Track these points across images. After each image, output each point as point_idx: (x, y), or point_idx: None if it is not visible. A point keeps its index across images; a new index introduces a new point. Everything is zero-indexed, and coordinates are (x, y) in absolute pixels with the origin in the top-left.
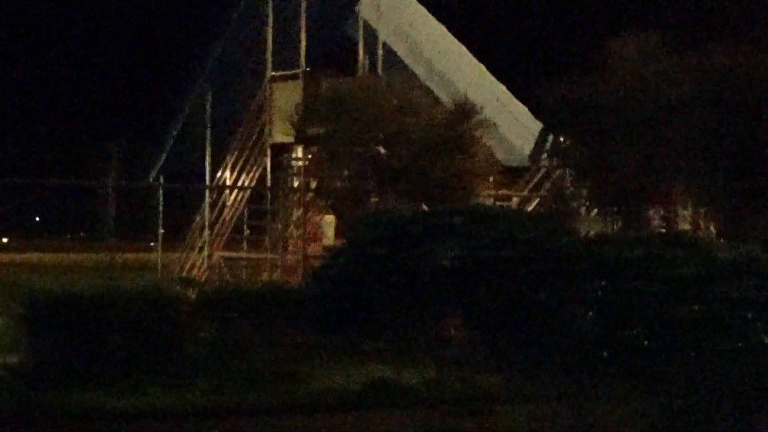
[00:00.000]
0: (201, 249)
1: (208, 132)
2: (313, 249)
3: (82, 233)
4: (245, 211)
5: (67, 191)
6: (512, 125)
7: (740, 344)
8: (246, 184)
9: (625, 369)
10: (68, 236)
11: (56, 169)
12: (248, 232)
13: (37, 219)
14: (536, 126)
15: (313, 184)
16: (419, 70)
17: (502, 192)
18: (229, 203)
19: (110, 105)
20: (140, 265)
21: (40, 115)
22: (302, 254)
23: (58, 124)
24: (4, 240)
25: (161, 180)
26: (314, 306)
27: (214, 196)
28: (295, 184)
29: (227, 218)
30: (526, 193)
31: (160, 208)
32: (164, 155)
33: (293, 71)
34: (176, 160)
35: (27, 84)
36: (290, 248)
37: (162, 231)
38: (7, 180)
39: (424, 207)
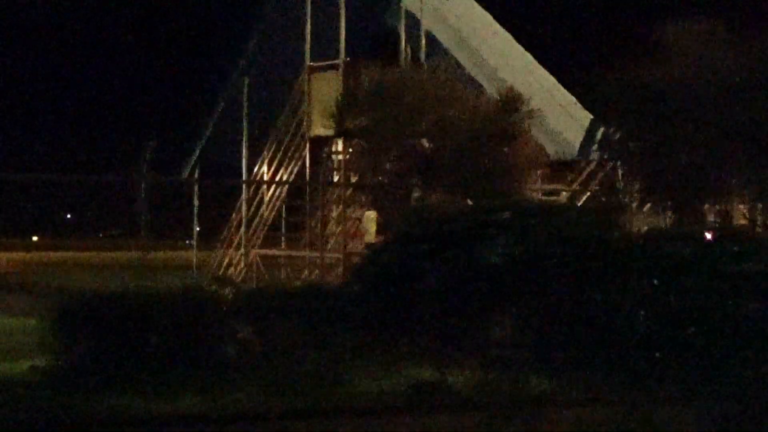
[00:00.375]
0: (238, 247)
1: (245, 125)
2: (354, 246)
3: (114, 231)
4: (283, 208)
5: (98, 188)
6: (561, 116)
7: None
8: (284, 179)
9: (681, 370)
10: (100, 234)
11: (87, 165)
12: (286, 229)
13: (68, 216)
14: (586, 117)
15: (354, 179)
16: (464, 59)
17: (551, 186)
18: (266, 199)
19: (143, 99)
20: (175, 264)
21: (71, 110)
22: (343, 252)
23: (89, 119)
24: (34, 238)
25: (196, 175)
26: (355, 305)
27: (251, 191)
28: (335, 178)
29: (265, 215)
30: (575, 187)
31: (195, 204)
32: (199, 150)
33: (332, 61)
34: (211, 154)
35: (57, 78)
36: (330, 245)
37: (197, 228)
38: (36, 176)
39: (469, 202)
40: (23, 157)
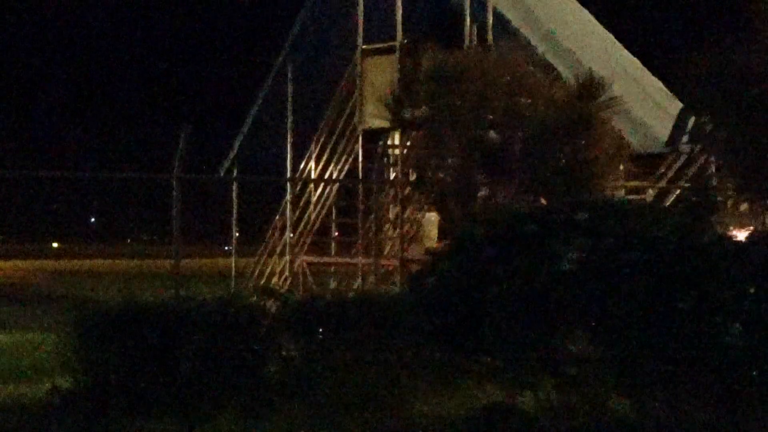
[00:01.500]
0: (282, 253)
1: (289, 117)
2: (413, 252)
3: (143, 236)
4: (333, 209)
5: (126, 187)
6: (646, 104)
7: None
8: (334, 176)
9: None
10: (128, 240)
11: (113, 162)
12: (337, 233)
13: (92, 220)
14: (675, 105)
15: (413, 176)
16: (536, 41)
17: (635, 183)
18: (314, 199)
19: (176, 89)
20: (211, 272)
21: (90, 101)
22: (400, 258)
23: (113, 111)
24: (54, 245)
25: (235, 172)
26: (414, 318)
27: (297, 191)
28: (392, 176)
29: (312, 217)
30: (663, 184)
31: (234, 205)
32: (238, 144)
33: (388, 44)
34: (252, 149)
35: (82, 66)
36: (386, 251)
37: (236, 233)
38: (55, 173)
39: (543, 201)
40: (40, 153)
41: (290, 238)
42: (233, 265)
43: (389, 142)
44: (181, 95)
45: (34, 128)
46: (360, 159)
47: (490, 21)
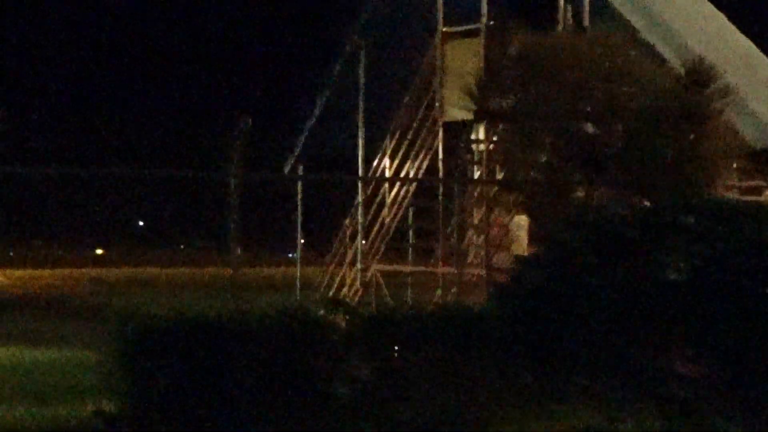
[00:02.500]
0: (353, 261)
1: (361, 109)
2: (500, 259)
3: (198, 242)
4: (410, 212)
5: (177, 187)
6: (763, 95)
7: None
8: (411, 174)
9: None
10: (181, 246)
11: (164, 159)
12: (414, 238)
13: (141, 224)
14: None
15: (500, 175)
16: (638, 22)
17: (751, 183)
18: (389, 201)
19: (232, 76)
20: (274, 282)
21: (138, 90)
22: (486, 266)
23: (162, 100)
24: (99, 251)
25: (300, 170)
26: (500, 334)
27: (370, 191)
28: (476, 174)
29: (387, 220)
30: None
31: (299, 207)
32: (303, 139)
33: (472, 26)
34: (319, 145)
35: (129, 56)
36: (470, 259)
37: (302, 239)
38: (101, 170)
39: (645, 202)
40: (81, 150)
41: (362, 244)
42: (298, 274)
43: (473, 136)
44: (238, 84)
45: (75, 122)
46: (440, 155)
47: (587, 0)
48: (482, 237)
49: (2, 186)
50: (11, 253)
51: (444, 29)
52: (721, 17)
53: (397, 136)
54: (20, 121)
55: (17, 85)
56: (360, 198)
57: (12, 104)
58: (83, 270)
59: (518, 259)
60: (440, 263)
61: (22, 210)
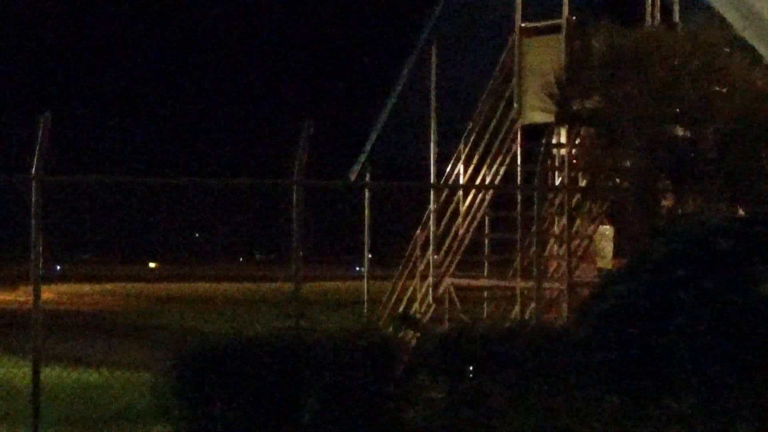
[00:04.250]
0: (424, 275)
1: (433, 111)
2: (584, 273)
3: (258, 255)
4: (486, 221)
5: (236, 197)
6: None
7: None
8: (487, 181)
9: None
10: (240, 259)
11: (221, 166)
12: (490, 250)
13: (197, 236)
14: None
15: (583, 181)
16: (732, 18)
17: None
18: (463, 210)
19: (296, 78)
20: (339, 298)
21: (190, 94)
22: (567, 281)
23: (216, 104)
24: (151, 265)
25: (367, 177)
26: (584, 354)
27: (443, 199)
28: (557, 181)
29: (461, 231)
30: None
31: (366, 217)
32: (370, 144)
33: (552, 21)
34: (388, 150)
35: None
36: (550, 273)
37: (369, 250)
38: (154, 180)
39: (741, 211)
40: (133, 157)
41: (434, 256)
42: (365, 289)
43: (554, 140)
44: (301, 87)
45: (125, 129)
46: (519, 160)
47: None
48: (563, 248)
49: (48, 196)
50: (58, 267)
51: (522, 25)
52: None
53: (471, 140)
54: (69, 127)
55: (66, 91)
56: (432, 207)
57: (59, 109)
58: (134, 285)
59: (603, 272)
60: (518, 277)
61: (69, 222)
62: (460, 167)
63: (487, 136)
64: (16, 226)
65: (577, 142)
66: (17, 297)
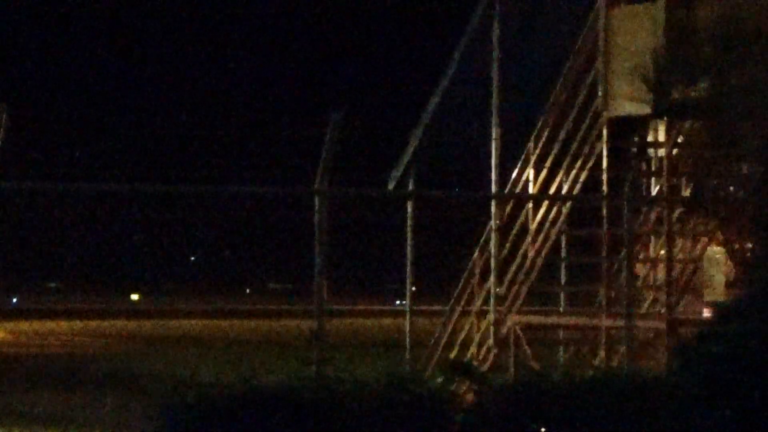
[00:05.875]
0: (483, 310)
1: (495, 103)
2: (687, 307)
3: (271, 283)
4: (562, 241)
5: (245, 209)
6: None
7: None
8: (564, 190)
9: None
10: (246, 290)
11: (226, 171)
12: (568, 278)
13: (192, 259)
14: None
15: (687, 191)
16: None
17: None
18: (533, 226)
19: (323, 61)
20: (374, 337)
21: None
22: (667, 317)
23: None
24: (133, 297)
25: (410, 185)
26: (686, 407)
27: (507, 213)
28: (654, 189)
29: (531, 253)
30: None
31: (409, 235)
32: (415, 144)
33: None
34: (436, 151)
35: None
36: (645, 307)
37: (412, 280)
38: (142, 185)
39: None
40: (112, 156)
41: (496, 286)
42: (407, 327)
43: (649, 138)
44: (327, 72)
45: (101, 122)
46: (604, 163)
47: None
48: (662, 277)
49: (4, 207)
50: (14, 299)
51: None
52: None
53: (544, 138)
54: (33, 119)
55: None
56: (493, 223)
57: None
58: (112, 323)
59: (713, 307)
60: (603, 313)
61: (29, 240)
62: (530, 172)
63: (563, 134)
64: None
65: (679, 140)
66: None
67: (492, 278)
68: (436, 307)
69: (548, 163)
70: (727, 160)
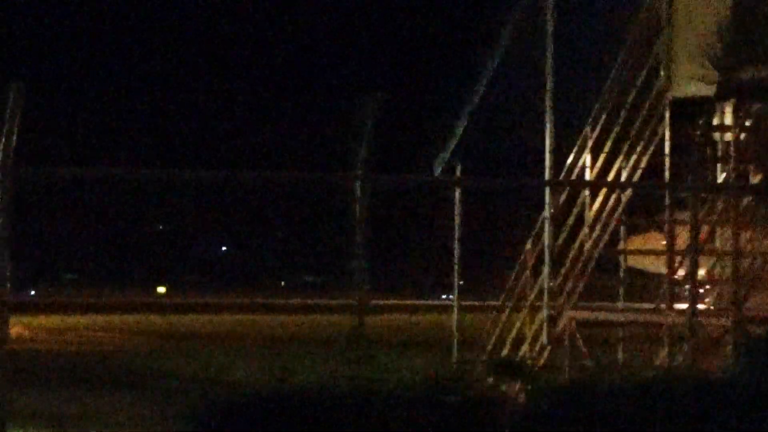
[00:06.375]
0: (536, 305)
1: (549, 83)
2: (757, 305)
3: (306, 277)
4: (621, 232)
5: (280, 197)
6: None
7: None
8: (623, 177)
9: None
10: (281, 283)
11: (258, 156)
12: (627, 272)
13: (224, 249)
14: None
15: (756, 178)
16: None
17: None
18: (590, 215)
19: (361, 41)
20: (417, 335)
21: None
22: (734, 314)
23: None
24: (160, 289)
25: (457, 171)
26: (756, 414)
27: (562, 201)
28: (720, 176)
29: (587, 245)
30: None
31: (457, 226)
32: (462, 128)
33: None
34: (484, 135)
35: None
36: (709, 302)
37: (460, 273)
38: (172, 172)
39: None
40: (139, 140)
41: (550, 279)
42: (454, 324)
43: (715, 121)
44: (366, 53)
45: (127, 105)
46: (666, 148)
47: None
48: (729, 270)
49: (20, 193)
50: (33, 292)
51: None
52: None
53: (601, 121)
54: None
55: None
56: (547, 212)
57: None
58: (137, 317)
59: None
60: (665, 308)
61: (48, 229)
62: (586, 158)
63: (622, 117)
64: None
65: (747, 123)
66: None
67: (546, 271)
68: (485, 302)
69: (606, 149)
70: None
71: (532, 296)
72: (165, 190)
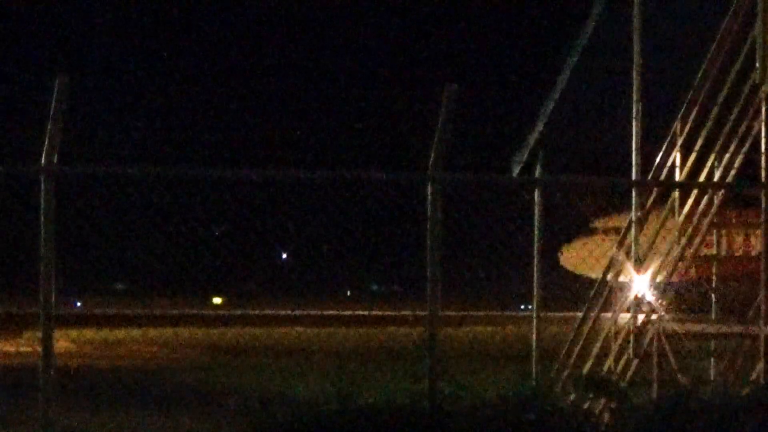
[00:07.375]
0: (621, 315)
1: (636, 76)
2: None
3: (373, 285)
4: (715, 235)
5: (345, 198)
6: None
7: None
8: (716, 176)
9: None
10: (347, 292)
11: (317, 154)
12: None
13: (284, 257)
14: None
15: None
16: None
17: None
18: (680, 218)
19: (435, 32)
20: (492, 347)
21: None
22: None
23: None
24: (216, 300)
25: (537, 171)
26: None
27: (650, 203)
28: None
29: (678, 250)
30: None
31: (536, 228)
32: (541, 124)
33: None
34: (566, 132)
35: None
36: None
37: (540, 277)
38: (228, 171)
39: None
40: (186, 136)
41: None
42: (534, 335)
43: None
44: (440, 44)
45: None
46: (763, 145)
47: None
48: None
49: (63, 196)
50: (78, 304)
51: None
52: None
53: (692, 116)
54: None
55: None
56: (633, 214)
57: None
58: (191, 330)
59: None
60: (762, 320)
61: (92, 235)
62: (676, 156)
63: (715, 111)
64: (16, 241)
65: None
66: (21, 348)
67: (632, 277)
68: (567, 313)
69: (698, 146)
70: None
71: (619, 304)
72: (223, 191)
